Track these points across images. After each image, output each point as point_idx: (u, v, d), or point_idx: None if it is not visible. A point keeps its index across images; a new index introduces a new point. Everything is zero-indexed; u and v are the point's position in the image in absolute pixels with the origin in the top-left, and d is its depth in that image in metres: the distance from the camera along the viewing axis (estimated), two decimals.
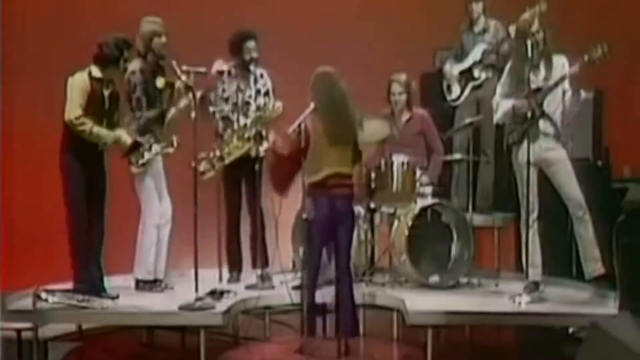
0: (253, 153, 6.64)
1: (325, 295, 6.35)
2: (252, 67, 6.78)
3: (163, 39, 6.44)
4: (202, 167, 6.53)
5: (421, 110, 7.18)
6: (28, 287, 5.96)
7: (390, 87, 7.04)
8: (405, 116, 7.09)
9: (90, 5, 8.00)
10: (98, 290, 6.08)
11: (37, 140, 7.20)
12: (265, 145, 6.66)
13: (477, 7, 7.56)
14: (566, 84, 5.91)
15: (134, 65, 6.38)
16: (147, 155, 6.36)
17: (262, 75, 6.87)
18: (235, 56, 6.80)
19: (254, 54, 6.77)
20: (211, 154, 6.67)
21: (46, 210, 6.26)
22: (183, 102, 6.38)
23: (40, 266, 6.41)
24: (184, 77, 6.07)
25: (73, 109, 5.95)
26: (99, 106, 6.08)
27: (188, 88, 6.14)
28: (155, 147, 6.39)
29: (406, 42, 8.01)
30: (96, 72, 6.07)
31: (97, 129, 6.00)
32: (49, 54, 7.56)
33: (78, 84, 6.02)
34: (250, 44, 6.75)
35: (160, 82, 6.35)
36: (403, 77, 7.05)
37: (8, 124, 7.19)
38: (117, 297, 6.06)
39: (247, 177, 6.81)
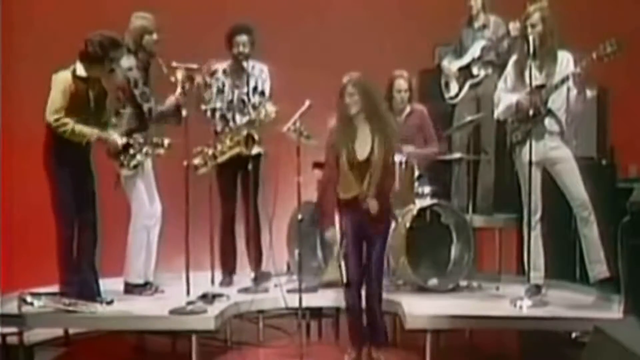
0: (244, 154, 6.55)
1: (323, 299, 6.40)
2: (245, 63, 6.67)
3: (154, 36, 6.33)
4: (196, 161, 6.43)
5: (420, 105, 7.08)
6: (28, 289, 5.93)
7: (393, 84, 6.92)
8: (406, 111, 6.98)
9: (92, 1, 7.91)
10: (92, 293, 5.98)
11: (37, 140, 7.07)
12: (256, 149, 6.55)
13: (477, 4, 7.47)
14: (571, 82, 5.82)
15: (129, 62, 6.26)
16: (138, 157, 6.25)
17: (261, 72, 6.78)
18: (229, 51, 6.72)
19: (243, 49, 6.67)
20: (205, 150, 6.57)
21: (46, 211, 6.13)
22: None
23: (40, 267, 6.27)
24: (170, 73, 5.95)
25: (52, 111, 5.80)
26: (85, 106, 5.93)
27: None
28: (147, 149, 6.26)
29: (405, 38, 7.95)
30: (81, 70, 5.92)
31: (79, 127, 5.85)
32: (50, 51, 7.45)
33: (61, 83, 5.86)
34: (241, 38, 6.65)
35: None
36: (405, 73, 6.96)
37: (8, 124, 7.14)
38: (111, 302, 5.95)
39: (242, 176, 6.74)
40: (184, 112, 5.90)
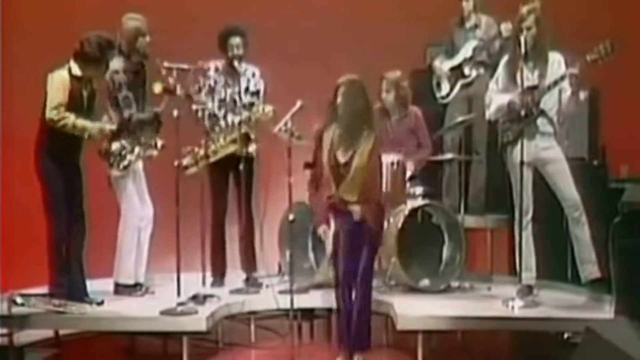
0: (239, 153, 6.54)
1: (314, 299, 6.39)
2: (236, 63, 6.66)
3: (147, 38, 6.31)
4: (186, 161, 6.40)
5: (415, 108, 7.05)
6: (27, 288, 5.98)
7: (380, 85, 6.91)
8: (400, 114, 6.96)
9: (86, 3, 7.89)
10: (80, 294, 5.97)
11: None
12: (252, 146, 6.51)
13: (468, 5, 7.49)
14: (564, 84, 5.82)
15: (117, 64, 6.25)
16: (129, 158, 6.24)
17: (253, 74, 6.78)
18: (222, 52, 6.71)
19: (238, 51, 6.68)
20: (196, 149, 6.56)
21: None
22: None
23: (39, 267, 6.23)
24: (164, 72, 5.92)
25: (52, 107, 5.81)
26: (78, 105, 5.95)
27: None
28: (138, 150, 6.25)
29: (398, 38, 7.92)
30: (76, 70, 5.93)
31: (80, 121, 5.87)
32: (50, 50, 7.42)
33: (58, 81, 5.88)
34: (235, 40, 6.66)
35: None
36: (392, 75, 6.92)
37: (8, 124, 7.11)
38: (102, 302, 5.94)
39: (234, 176, 6.72)
40: (175, 113, 5.86)
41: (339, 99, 5.41)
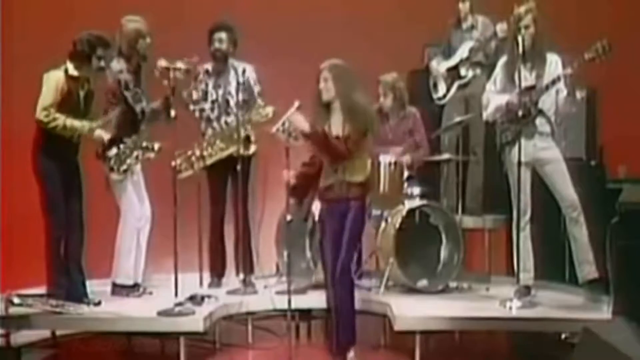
0: (237, 154, 6.51)
1: (312, 300, 6.38)
2: (227, 61, 6.67)
3: (148, 40, 6.30)
4: (178, 164, 6.36)
5: (414, 109, 7.05)
6: (27, 288, 6.03)
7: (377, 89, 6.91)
8: (399, 115, 6.96)
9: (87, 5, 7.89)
10: (79, 295, 5.97)
11: None
12: (252, 148, 6.50)
13: (464, 7, 7.51)
14: (561, 84, 5.82)
15: (119, 65, 6.25)
16: (128, 161, 6.24)
17: (244, 71, 6.74)
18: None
19: (220, 45, 6.66)
20: (190, 152, 6.54)
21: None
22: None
23: (39, 267, 6.23)
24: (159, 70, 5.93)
25: (43, 107, 5.80)
26: (74, 105, 5.95)
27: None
28: (137, 153, 6.24)
29: (396, 38, 7.93)
30: (72, 70, 5.93)
31: (70, 121, 5.85)
32: (50, 51, 7.42)
33: (53, 81, 5.88)
34: (219, 35, 6.66)
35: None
36: (388, 77, 6.91)
37: (8, 124, 7.11)
38: (99, 303, 5.94)
39: (232, 177, 6.72)
40: (172, 113, 5.87)
41: (321, 84, 5.38)
